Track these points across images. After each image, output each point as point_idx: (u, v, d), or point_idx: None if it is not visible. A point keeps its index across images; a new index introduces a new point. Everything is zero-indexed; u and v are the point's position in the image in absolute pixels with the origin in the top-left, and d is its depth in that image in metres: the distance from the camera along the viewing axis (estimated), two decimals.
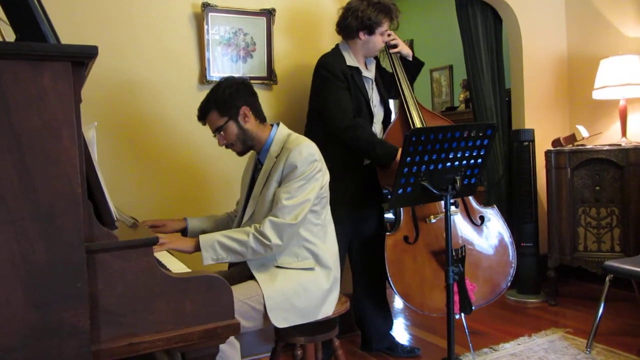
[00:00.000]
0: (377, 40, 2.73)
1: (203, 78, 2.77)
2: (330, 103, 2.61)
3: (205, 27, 2.75)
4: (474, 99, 4.04)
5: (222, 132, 2.11)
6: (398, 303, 3.80)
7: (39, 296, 1.17)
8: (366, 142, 2.60)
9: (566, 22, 4.21)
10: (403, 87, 2.87)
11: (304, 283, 2.01)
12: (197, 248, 1.90)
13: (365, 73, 2.78)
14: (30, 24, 1.20)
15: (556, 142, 3.71)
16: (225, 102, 2.08)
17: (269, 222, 1.94)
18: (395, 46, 2.90)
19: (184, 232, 2.28)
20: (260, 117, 2.17)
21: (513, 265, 2.88)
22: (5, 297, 1.15)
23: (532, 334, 3.08)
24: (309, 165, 2.02)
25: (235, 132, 2.11)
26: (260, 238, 1.92)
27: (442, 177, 2.10)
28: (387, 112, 2.93)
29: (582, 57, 4.10)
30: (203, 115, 2.14)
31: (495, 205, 2.98)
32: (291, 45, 3.05)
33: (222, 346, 1.63)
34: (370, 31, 2.69)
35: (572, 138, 3.66)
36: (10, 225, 1.14)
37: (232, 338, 1.79)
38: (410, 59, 2.96)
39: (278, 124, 2.20)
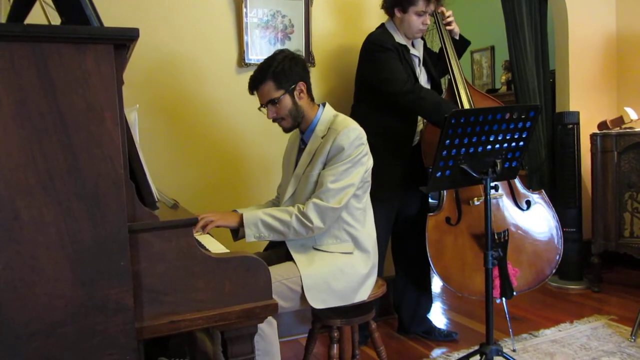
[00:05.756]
0: (412, 20, 2.66)
1: (241, 61, 2.78)
2: (387, 71, 2.58)
3: (244, 9, 2.75)
4: (516, 80, 3.93)
5: (275, 105, 2.05)
6: (435, 287, 3.78)
7: (85, 274, 1.21)
8: (432, 102, 2.54)
9: (616, 0, 4.04)
10: (453, 66, 2.82)
11: (341, 266, 2.00)
12: (241, 224, 1.92)
13: (412, 51, 2.75)
14: (75, 7, 1.23)
15: (602, 125, 3.58)
16: (285, 74, 2.00)
17: (313, 205, 1.93)
18: (449, 24, 2.86)
19: None
20: (311, 95, 2.13)
21: (559, 251, 2.81)
22: (54, 275, 1.19)
23: (574, 320, 3.01)
24: (355, 149, 1.99)
25: (288, 107, 2.05)
26: (303, 220, 1.92)
27: (483, 160, 2.06)
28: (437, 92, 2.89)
29: (632, 36, 3.93)
30: (256, 85, 2.05)
31: (543, 190, 2.92)
32: (329, 27, 3.03)
33: (260, 325, 1.65)
34: (404, 9, 2.64)
35: (619, 121, 3.53)
36: (58, 205, 1.18)
37: (269, 317, 1.82)
38: (457, 37, 2.91)
39: (324, 105, 2.16)
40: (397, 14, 2.67)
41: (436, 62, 2.94)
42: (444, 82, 3.08)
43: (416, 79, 2.70)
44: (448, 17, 2.85)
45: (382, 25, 2.76)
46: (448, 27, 2.86)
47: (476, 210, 2.75)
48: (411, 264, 2.91)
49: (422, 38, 2.87)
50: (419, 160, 2.77)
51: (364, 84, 2.74)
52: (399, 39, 2.69)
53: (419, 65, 2.79)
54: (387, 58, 2.59)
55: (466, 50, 3.01)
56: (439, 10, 2.85)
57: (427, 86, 2.84)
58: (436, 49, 3.01)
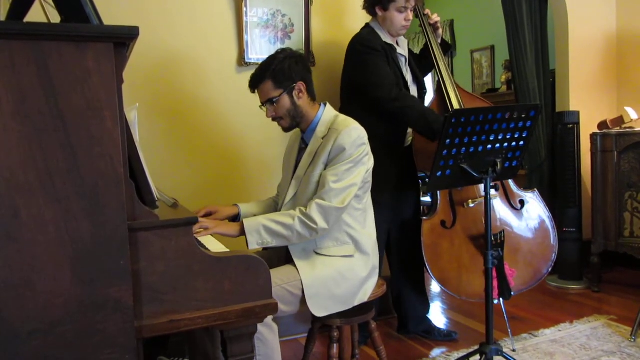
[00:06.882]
0: (394, 17, 2.64)
1: (241, 60, 2.78)
2: (375, 75, 2.56)
3: (244, 9, 2.75)
4: (516, 80, 3.94)
5: (274, 104, 2.03)
6: (435, 287, 3.78)
7: (85, 273, 1.21)
8: (417, 111, 2.53)
9: (616, 0, 4.04)
10: (441, 68, 2.81)
11: (343, 271, 1.98)
12: (242, 232, 1.87)
13: (399, 50, 2.74)
14: (74, 5, 1.22)
15: (602, 125, 3.58)
16: (284, 73, 1.99)
17: (316, 206, 1.89)
18: (437, 28, 2.87)
19: (236, 218, 2.20)
20: (312, 95, 2.10)
21: (554, 249, 2.81)
22: (53, 273, 1.19)
23: (574, 320, 3.01)
24: (357, 149, 1.96)
25: (287, 107, 2.03)
26: (307, 221, 1.88)
27: (483, 159, 2.06)
28: (421, 92, 2.89)
29: (633, 36, 3.93)
30: (256, 83, 2.04)
31: (536, 189, 2.91)
32: (329, 26, 3.02)
33: (260, 329, 1.64)
34: (385, 7, 2.63)
35: (619, 120, 3.53)
36: (57, 204, 1.18)
37: (270, 321, 1.80)
38: (439, 40, 2.92)
39: (325, 104, 2.13)
40: (379, 12, 2.67)
41: (418, 63, 2.94)
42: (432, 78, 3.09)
43: (404, 79, 2.70)
44: (435, 19, 2.86)
45: (368, 25, 2.75)
46: (437, 32, 2.87)
47: (471, 213, 2.74)
48: (407, 266, 2.90)
49: (405, 37, 2.86)
50: (412, 161, 2.76)
51: (351, 86, 2.72)
52: (385, 38, 2.68)
53: (405, 65, 2.79)
54: (376, 61, 2.57)
55: (446, 54, 3.01)
56: (425, 13, 2.85)
57: (414, 86, 2.84)
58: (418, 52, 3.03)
